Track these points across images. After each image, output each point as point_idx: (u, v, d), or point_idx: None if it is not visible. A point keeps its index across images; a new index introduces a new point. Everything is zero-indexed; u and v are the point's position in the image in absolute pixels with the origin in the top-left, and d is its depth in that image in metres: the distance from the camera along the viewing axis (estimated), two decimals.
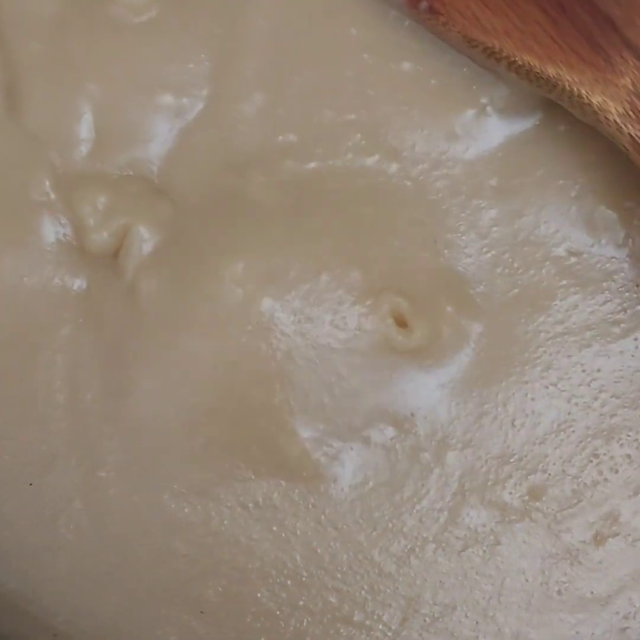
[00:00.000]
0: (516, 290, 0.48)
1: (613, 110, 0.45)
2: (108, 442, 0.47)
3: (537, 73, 0.47)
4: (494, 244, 0.48)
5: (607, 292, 0.48)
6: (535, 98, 0.49)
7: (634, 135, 0.45)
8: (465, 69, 0.49)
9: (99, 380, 0.48)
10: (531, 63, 0.47)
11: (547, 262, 0.48)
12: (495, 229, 0.48)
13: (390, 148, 0.49)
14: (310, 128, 0.49)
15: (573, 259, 0.48)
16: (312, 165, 0.49)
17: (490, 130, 0.49)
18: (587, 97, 0.46)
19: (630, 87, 0.45)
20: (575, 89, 0.46)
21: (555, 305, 0.48)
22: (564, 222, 0.48)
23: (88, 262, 0.48)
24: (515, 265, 0.48)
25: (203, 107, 0.49)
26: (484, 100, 0.49)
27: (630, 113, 0.45)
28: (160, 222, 0.48)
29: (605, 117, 0.45)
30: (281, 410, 0.46)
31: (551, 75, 0.46)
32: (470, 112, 0.49)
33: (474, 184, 0.49)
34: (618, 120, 0.45)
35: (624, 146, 0.45)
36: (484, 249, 0.48)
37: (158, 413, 0.47)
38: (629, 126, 0.45)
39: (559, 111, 0.48)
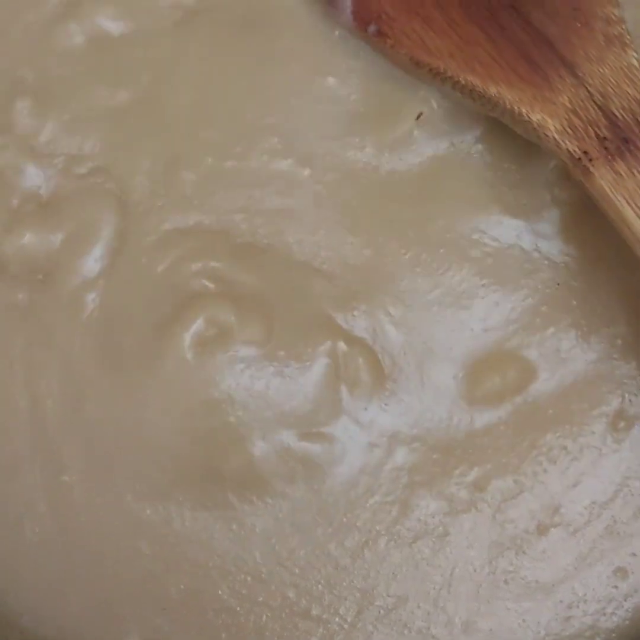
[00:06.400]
0: (438, 290, 0.50)
1: (551, 127, 0.47)
2: (70, 447, 0.48)
3: (480, 92, 0.48)
4: (410, 245, 0.50)
5: (526, 289, 0.50)
6: (459, 119, 0.51)
7: (571, 151, 0.46)
8: (386, 88, 0.51)
9: (57, 386, 0.49)
10: (474, 83, 0.48)
11: (466, 263, 0.50)
12: (410, 231, 0.50)
13: (303, 154, 0.51)
14: (231, 127, 0.51)
15: (489, 260, 0.50)
16: (230, 163, 0.51)
17: (405, 146, 0.51)
18: (527, 114, 0.47)
19: (568, 105, 0.47)
20: (515, 108, 0.47)
21: (476, 303, 0.50)
22: (475, 227, 0.50)
23: (20, 278, 0.50)
24: (434, 265, 0.50)
25: (141, 96, 0.52)
26: (401, 119, 0.51)
27: (568, 129, 0.46)
28: (111, 214, 0.50)
29: (545, 134, 0.47)
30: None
31: (493, 95, 0.48)
32: (385, 129, 0.51)
33: (387, 191, 0.50)
34: (556, 137, 0.46)
35: (562, 160, 0.47)
36: (402, 250, 0.50)
37: (117, 417, 0.48)
38: (567, 142, 0.46)
39: (480, 132, 0.51)
